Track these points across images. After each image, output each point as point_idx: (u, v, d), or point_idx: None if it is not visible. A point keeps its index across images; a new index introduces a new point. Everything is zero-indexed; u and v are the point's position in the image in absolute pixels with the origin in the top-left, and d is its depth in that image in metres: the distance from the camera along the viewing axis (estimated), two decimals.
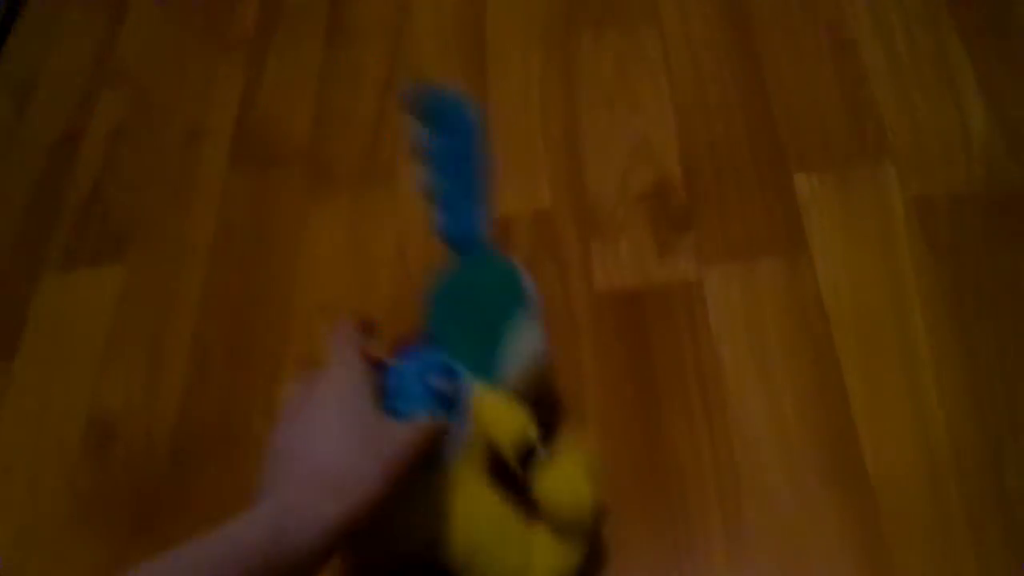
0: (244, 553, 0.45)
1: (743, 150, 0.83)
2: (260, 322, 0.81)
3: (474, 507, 0.58)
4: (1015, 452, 0.64)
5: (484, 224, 0.64)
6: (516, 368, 0.62)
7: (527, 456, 0.58)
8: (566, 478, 0.59)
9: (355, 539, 0.50)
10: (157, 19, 1.06)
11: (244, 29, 1.02)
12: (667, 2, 0.93)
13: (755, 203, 0.79)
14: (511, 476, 0.60)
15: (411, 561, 0.60)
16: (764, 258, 0.76)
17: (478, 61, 0.94)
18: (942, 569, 0.60)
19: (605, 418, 0.70)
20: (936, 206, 0.76)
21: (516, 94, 0.91)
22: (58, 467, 0.77)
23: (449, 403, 0.58)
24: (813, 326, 0.72)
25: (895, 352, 0.70)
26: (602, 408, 0.71)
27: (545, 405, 0.68)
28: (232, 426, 0.76)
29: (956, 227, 0.75)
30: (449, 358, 0.61)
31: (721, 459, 0.67)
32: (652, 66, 0.89)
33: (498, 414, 0.60)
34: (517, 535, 0.59)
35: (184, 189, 0.91)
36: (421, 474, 0.56)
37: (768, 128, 0.83)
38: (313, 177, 0.89)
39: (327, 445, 0.50)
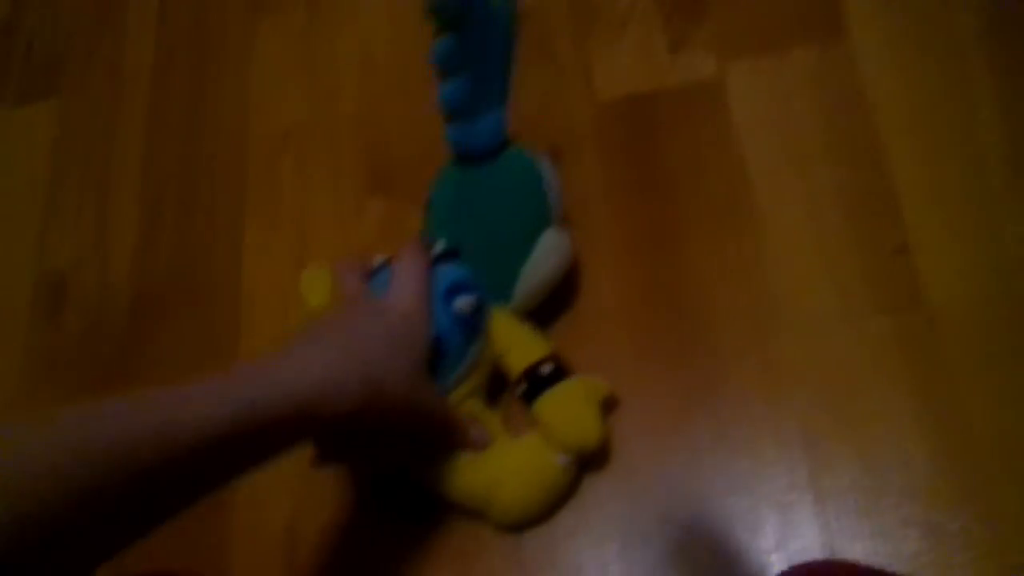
0: (277, 405, 0.43)
1: None
2: (214, 154, 0.71)
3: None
4: None
5: (506, 127, 0.56)
6: (533, 288, 0.56)
7: (534, 383, 0.54)
8: (573, 408, 0.54)
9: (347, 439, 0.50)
10: None
11: None
12: None
13: None
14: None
15: (390, 468, 0.57)
16: (795, 47, 0.64)
17: None
18: (1010, 397, 0.52)
19: (617, 243, 0.61)
20: None
21: None
22: (8, 332, 0.69)
23: (470, 327, 0.54)
24: (855, 124, 0.61)
25: (954, 151, 0.58)
26: (613, 233, 0.61)
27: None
28: (192, 272, 0.68)
29: None
30: (467, 274, 0.55)
31: (753, 284, 0.58)
32: None
33: (514, 340, 0.56)
34: (494, 453, 0.54)
35: (115, 9, 0.79)
36: None
37: None
38: None
39: (374, 345, 0.49)
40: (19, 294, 0.70)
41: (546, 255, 0.56)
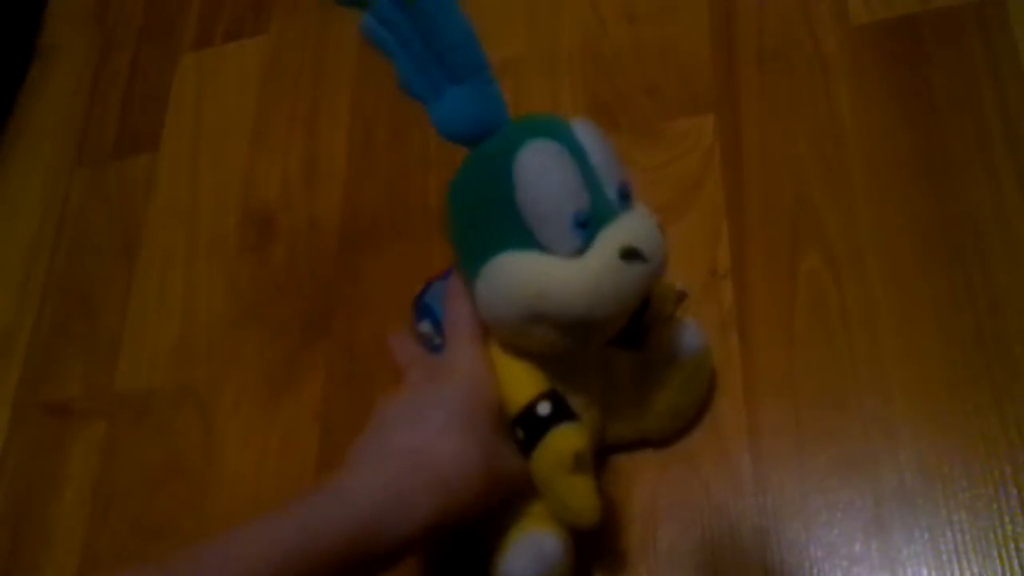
0: (333, 534, 0.38)
1: None
2: None
3: None
4: None
5: (484, 100, 0.44)
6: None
7: (531, 428, 0.45)
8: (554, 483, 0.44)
9: None
10: None
11: None
12: None
13: None
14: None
15: None
16: None
17: None
18: None
19: (874, 182, 0.55)
20: None
21: None
22: (216, 264, 0.68)
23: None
24: None
25: None
26: (871, 171, 0.55)
27: None
28: (404, 205, 0.65)
29: None
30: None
31: None
32: None
33: (503, 373, 0.46)
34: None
35: None
36: None
37: None
38: None
39: (438, 431, 0.42)
40: (226, 227, 0.69)
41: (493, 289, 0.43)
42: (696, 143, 0.59)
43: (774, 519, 0.49)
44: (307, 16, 0.75)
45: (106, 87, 0.79)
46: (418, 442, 0.42)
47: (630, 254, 0.40)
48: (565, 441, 0.44)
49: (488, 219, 0.43)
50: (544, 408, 0.44)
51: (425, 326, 0.51)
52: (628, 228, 0.41)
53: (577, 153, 0.42)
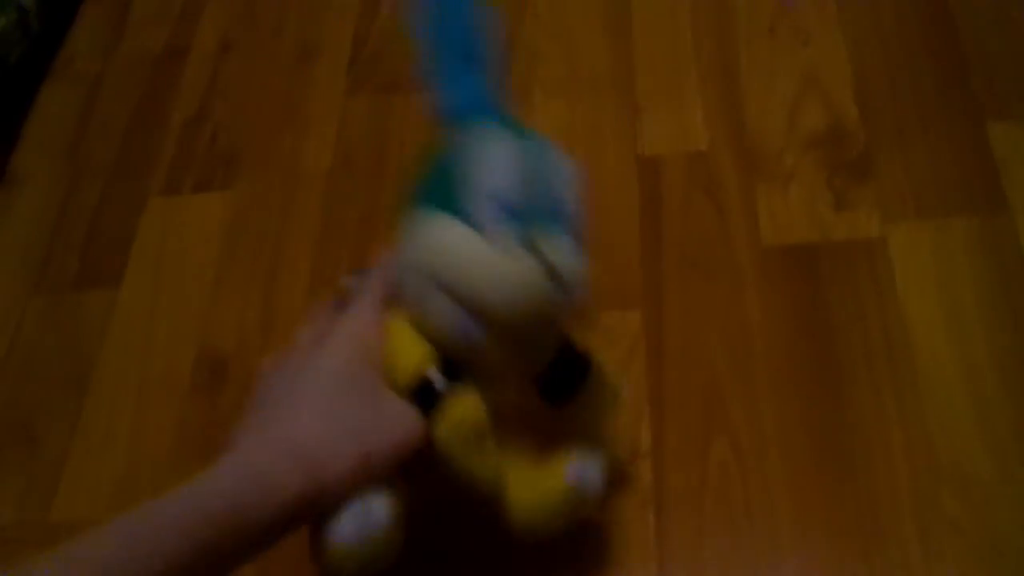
0: (200, 518, 0.42)
1: (928, 90, 0.74)
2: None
3: None
4: None
5: (494, 91, 0.49)
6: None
7: (424, 393, 0.47)
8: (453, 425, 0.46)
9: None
10: None
11: None
12: None
13: (944, 153, 0.70)
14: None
15: None
16: (957, 216, 0.67)
17: None
18: None
19: (776, 382, 0.63)
20: None
21: (664, 18, 0.82)
22: (166, 402, 0.71)
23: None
24: (1018, 293, 0.63)
25: None
26: (774, 374, 0.63)
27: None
28: None
29: None
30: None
31: (913, 439, 0.59)
32: None
33: (393, 338, 0.48)
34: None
35: (298, 109, 0.85)
36: None
37: (957, 66, 0.74)
38: None
39: (311, 414, 0.46)
40: (180, 367, 0.73)
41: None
42: (623, 334, 0.67)
43: None
44: (275, 176, 0.81)
45: (72, 220, 0.82)
46: (291, 428, 0.45)
47: (551, 271, 0.44)
48: (462, 412, 0.46)
49: (437, 185, 0.46)
50: (434, 374, 0.46)
51: (349, 280, 0.53)
52: (558, 248, 0.45)
53: (536, 162, 0.46)
